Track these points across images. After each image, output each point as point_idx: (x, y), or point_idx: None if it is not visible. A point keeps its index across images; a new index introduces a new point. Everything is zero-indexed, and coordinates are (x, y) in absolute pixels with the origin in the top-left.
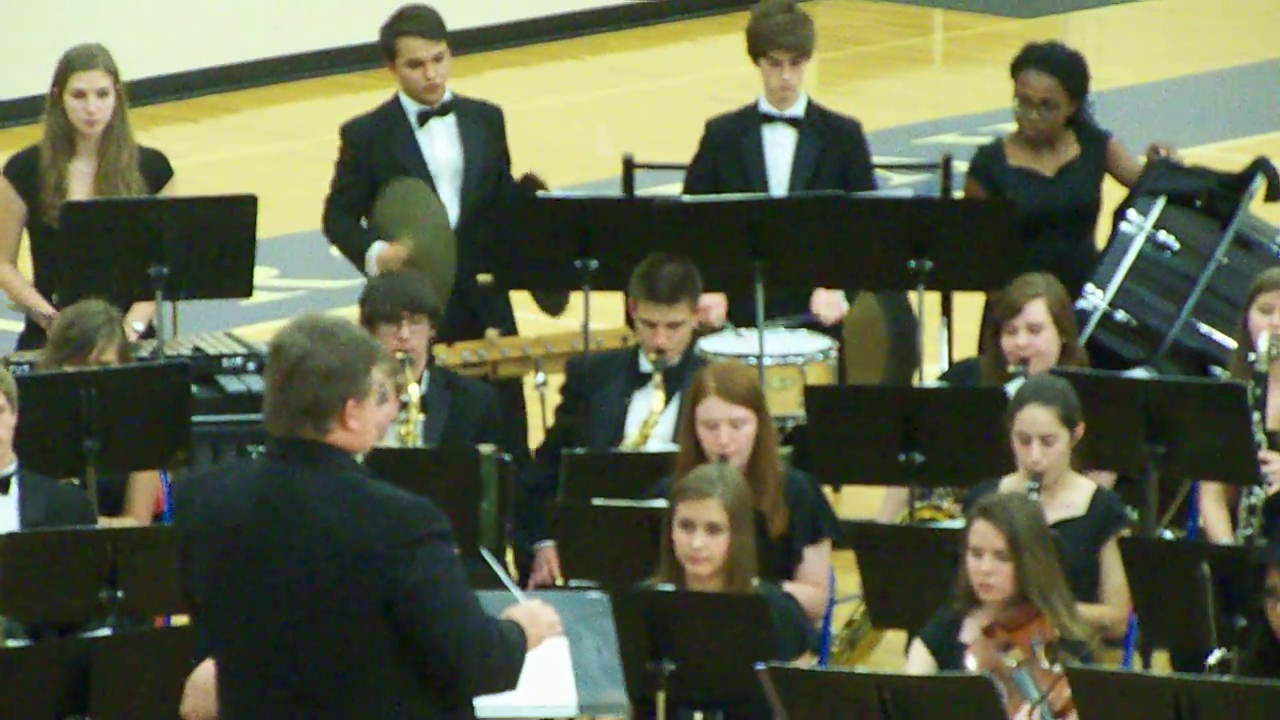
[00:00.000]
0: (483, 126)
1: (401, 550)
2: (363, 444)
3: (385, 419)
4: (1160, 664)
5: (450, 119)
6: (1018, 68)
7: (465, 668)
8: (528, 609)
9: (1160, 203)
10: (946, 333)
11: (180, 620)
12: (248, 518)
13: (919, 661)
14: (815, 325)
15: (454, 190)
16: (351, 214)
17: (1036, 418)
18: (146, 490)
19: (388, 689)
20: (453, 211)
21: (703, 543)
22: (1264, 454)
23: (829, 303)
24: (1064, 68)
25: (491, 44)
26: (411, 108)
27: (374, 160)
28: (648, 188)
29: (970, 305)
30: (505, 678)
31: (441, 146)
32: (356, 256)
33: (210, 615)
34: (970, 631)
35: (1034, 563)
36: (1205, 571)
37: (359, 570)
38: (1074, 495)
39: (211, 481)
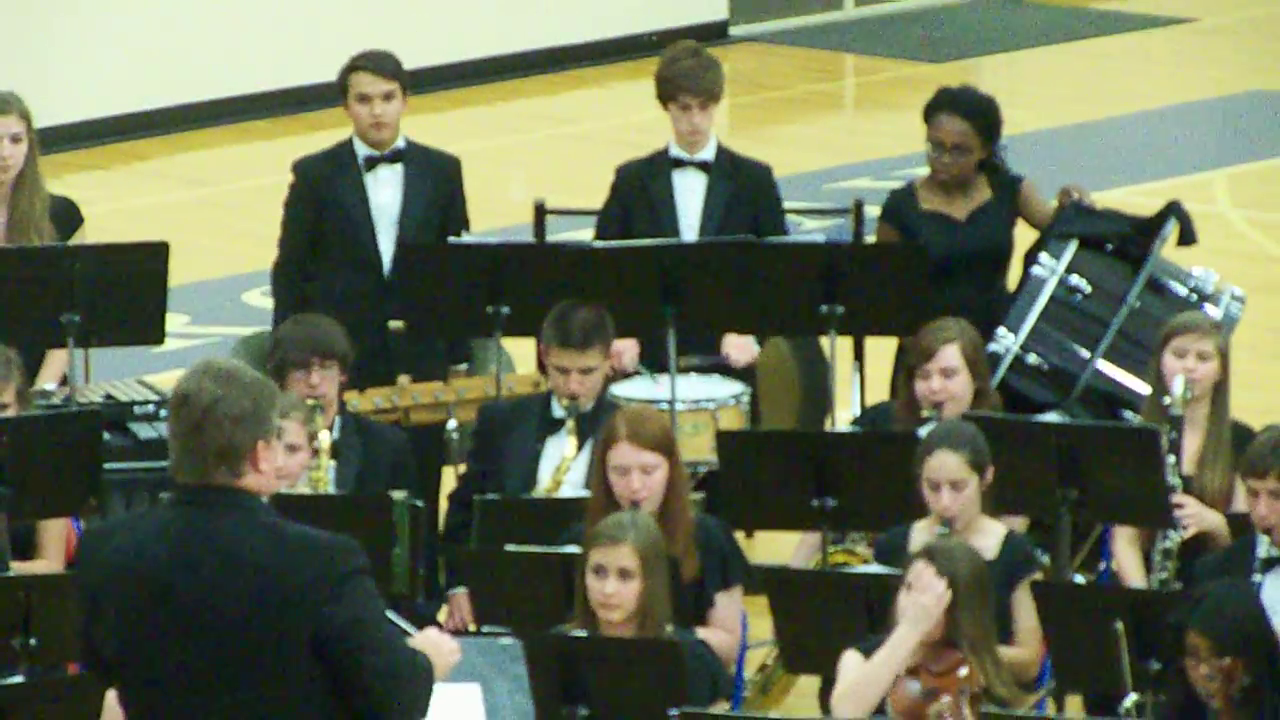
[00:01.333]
0: (430, 176)
1: (329, 589)
2: (270, 486)
3: (297, 466)
4: (1074, 708)
5: (398, 167)
6: (930, 112)
7: (395, 700)
8: (429, 638)
9: (1072, 246)
10: (859, 377)
11: None
12: (164, 566)
13: (853, 666)
14: (726, 368)
15: (389, 237)
16: (296, 263)
17: (946, 463)
18: (57, 535)
19: None
20: (385, 257)
21: (615, 589)
22: (1178, 498)
23: (740, 345)
24: (977, 112)
25: (403, 89)
26: (362, 151)
27: (321, 198)
28: (559, 233)
29: (882, 349)
30: (424, 705)
31: (384, 193)
32: (279, 321)
33: (123, 669)
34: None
35: (969, 614)
36: (1119, 628)
37: (288, 611)
38: (985, 540)
39: (117, 533)
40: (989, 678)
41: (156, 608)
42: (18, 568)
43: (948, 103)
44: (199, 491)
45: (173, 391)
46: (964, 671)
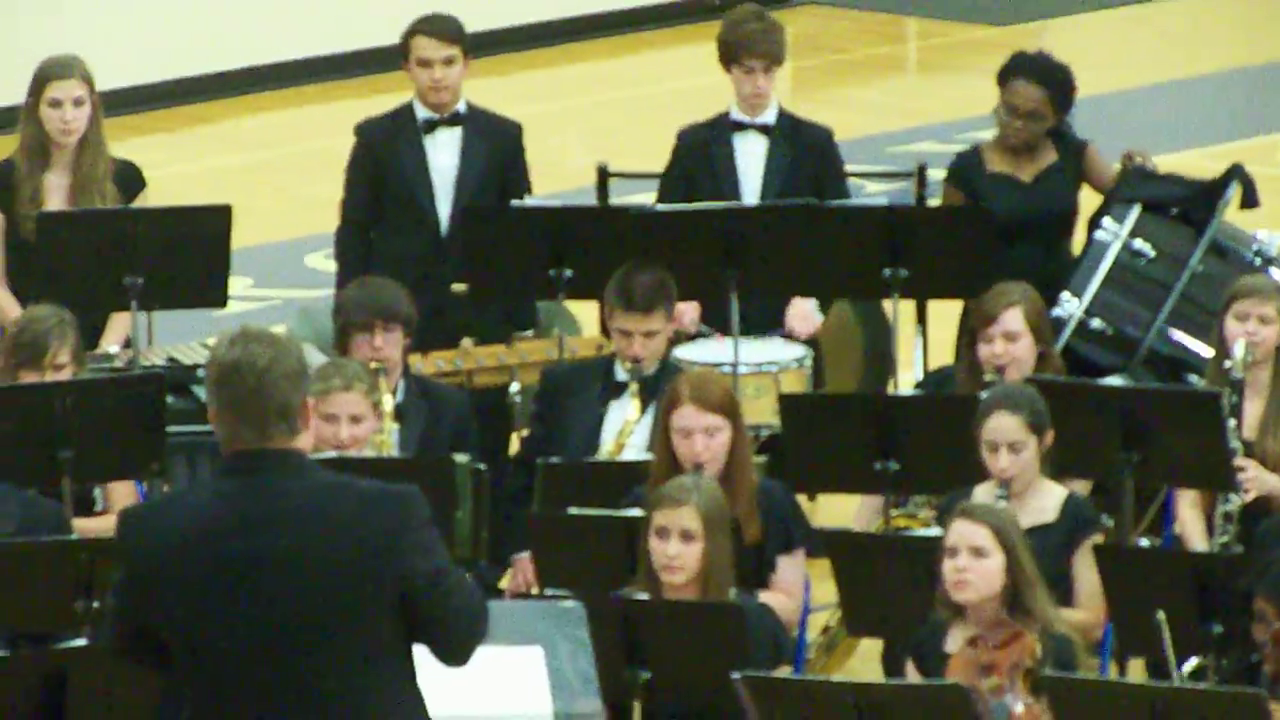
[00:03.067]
0: (490, 140)
1: (409, 538)
2: (311, 444)
3: (365, 434)
4: (1136, 671)
5: (457, 130)
6: (1006, 75)
7: (475, 637)
8: None
9: (1136, 210)
10: (921, 340)
11: None
12: (234, 535)
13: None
14: (790, 340)
15: (447, 200)
16: (359, 226)
17: (1004, 425)
18: (127, 495)
19: (389, 682)
20: (443, 220)
21: (677, 551)
22: (1240, 461)
23: (803, 317)
24: (1053, 80)
25: (464, 53)
26: (421, 113)
27: (381, 160)
28: (622, 197)
29: (945, 313)
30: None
31: (443, 156)
32: (342, 284)
33: (190, 646)
34: (954, 641)
35: (1021, 556)
36: (1160, 617)
37: (368, 565)
38: (1045, 502)
39: (165, 512)
40: (1046, 618)
41: (235, 576)
42: (81, 525)
43: (1024, 68)
44: (259, 456)
45: (214, 365)
46: (1019, 649)
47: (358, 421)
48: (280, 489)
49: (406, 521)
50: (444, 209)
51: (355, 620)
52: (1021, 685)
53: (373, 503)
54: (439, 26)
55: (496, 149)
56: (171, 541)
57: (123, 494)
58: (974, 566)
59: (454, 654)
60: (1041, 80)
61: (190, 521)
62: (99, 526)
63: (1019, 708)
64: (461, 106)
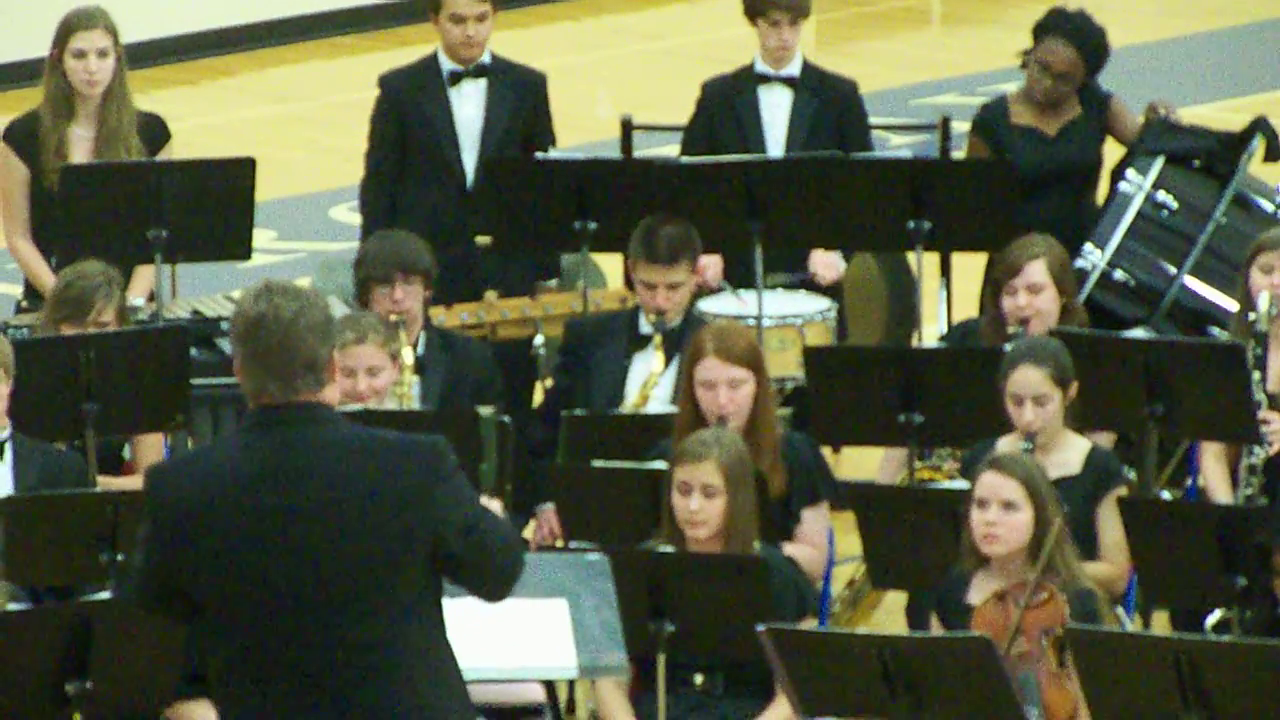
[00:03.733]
0: (515, 91)
1: (439, 488)
2: (337, 397)
3: (383, 386)
4: (1160, 624)
5: (482, 82)
6: (1041, 32)
7: (514, 572)
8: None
9: (1159, 162)
10: (945, 293)
11: None
12: (265, 487)
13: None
14: (812, 284)
15: (472, 152)
16: (383, 178)
17: (1029, 378)
18: (154, 450)
19: (420, 633)
20: (469, 172)
21: (699, 505)
22: (1264, 414)
23: (827, 263)
24: (1089, 43)
25: (494, 7)
26: (447, 65)
27: (405, 112)
28: (646, 149)
29: (969, 266)
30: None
31: (468, 107)
32: (366, 237)
33: (222, 600)
34: (977, 592)
35: (1050, 510)
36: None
37: (401, 514)
38: (1069, 455)
39: (194, 465)
40: (1072, 571)
41: (265, 529)
42: (106, 483)
43: (1061, 27)
44: (286, 409)
45: (240, 318)
46: (1048, 612)
47: (375, 374)
48: (308, 442)
49: (436, 471)
50: (469, 160)
51: (385, 572)
52: (1050, 652)
53: (401, 454)
54: None
55: (522, 100)
56: (199, 496)
57: (150, 447)
58: (1004, 520)
59: (492, 593)
60: (1077, 42)
61: (218, 476)
62: (124, 483)
63: (1046, 680)
64: (486, 58)
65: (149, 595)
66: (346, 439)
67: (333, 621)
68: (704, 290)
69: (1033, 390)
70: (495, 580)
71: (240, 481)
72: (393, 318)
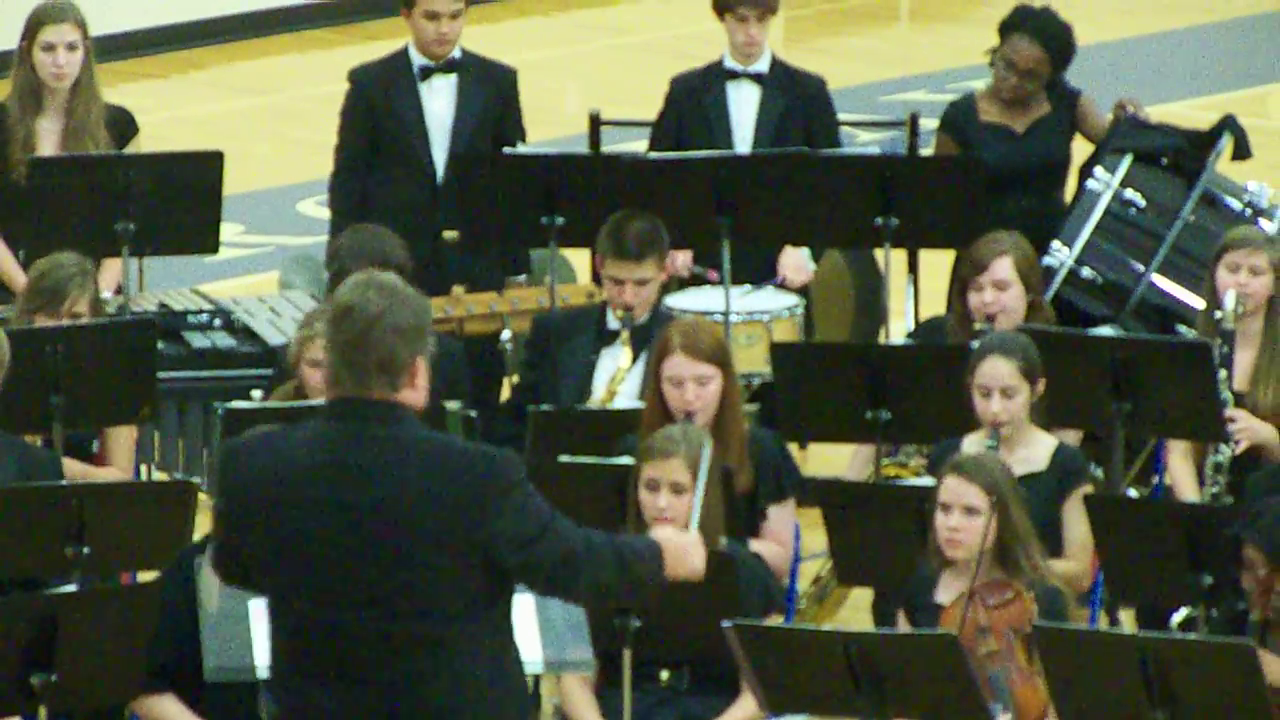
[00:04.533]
0: (485, 87)
1: (496, 502)
2: (421, 402)
3: None
4: (1127, 622)
5: (453, 77)
6: (1007, 30)
7: (579, 584)
8: (681, 543)
9: (1127, 160)
10: (913, 290)
11: (146, 576)
12: (327, 477)
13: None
14: (783, 289)
15: (443, 147)
16: (353, 173)
17: (998, 370)
18: (126, 444)
19: (469, 633)
20: (439, 167)
21: (667, 502)
22: (1230, 412)
23: (796, 266)
24: (1055, 40)
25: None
26: (418, 60)
27: (375, 107)
28: (614, 144)
29: (937, 263)
30: (624, 594)
31: (439, 102)
32: (335, 231)
33: (278, 582)
34: (945, 592)
35: (1017, 517)
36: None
37: (456, 523)
38: (1035, 451)
39: (266, 447)
40: (1038, 572)
41: (320, 519)
42: (72, 469)
43: (1027, 25)
44: (359, 404)
45: (334, 303)
46: (1015, 611)
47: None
48: (376, 439)
49: (497, 483)
50: (439, 156)
51: (435, 575)
52: (1019, 651)
53: (465, 462)
54: None
55: (492, 95)
56: (263, 480)
57: (120, 440)
58: (966, 525)
59: (569, 599)
60: (1042, 39)
61: (284, 461)
62: (97, 472)
63: (1017, 678)
64: (457, 53)
65: (224, 567)
66: (413, 441)
67: (379, 618)
68: (674, 278)
69: (1001, 382)
70: (557, 593)
71: (303, 471)
72: None
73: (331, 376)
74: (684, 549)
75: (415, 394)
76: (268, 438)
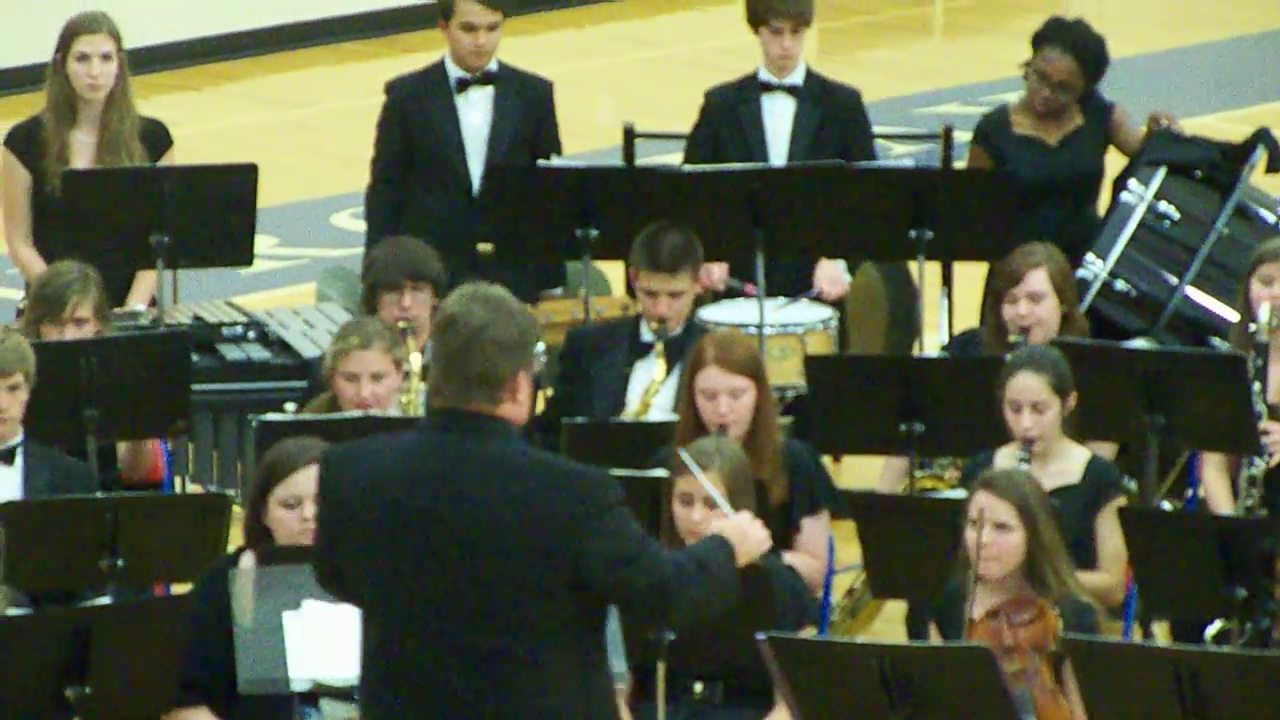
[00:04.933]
0: (521, 99)
1: (590, 521)
2: (524, 416)
3: (385, 393)
4: (1160, 635)
5: (489, 89)
6: (1040, 41)
7: (669, 610)
8: (737, 525)
9: (1161, 173)
10: (947, 302)
11: (180, 589)
12: (422, 489)
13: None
14: (818, 301)
15: (478, 159)
16: (389, 185)
17: (1028, 385)
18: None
19: (555, 652)
20: (475, 179)
21: (701, 516)
22: (1265, 424)
23: (831, 279)
24: (1088, 52)
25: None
26: (454, 72)
27: (411, 118)
28: (648, 157)
29: (971, 275)
30: (715, 601)
31: (475, 114)
32: (371, 243)
33: (370, 589)
34: (976, 607)
35: (1046, 532)
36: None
37: (548, 541)
38: (1068, 464)
39: (367, 455)
40: (1067, 587)
41: (411, 529)
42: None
43: (1059, 37)
44: (457, 416)
45: (440, 313)
46: (1041, 629)
47: (379, 379)
48: (472, 453)
49: (590, 504)
50: (475, 168)
51: (519, 591)
52: (1044, 670)
53: (559, 481)
54: None
55: (528, 108)
56: (363, 485)
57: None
58: (997, 541)
59: (648, 625)
60: (1074, 51)
61: (380, 469)
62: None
63: (1042, 696)
64: (493, 65)
65: (322, 572)
66: (509, 457)
67: (462, 631)
68: (709, 290)
69: (1031, 397)
70: (645, 617)
71: (397, 480)
72: (400, 324)
73: (432, 386)
74: (744, 533)
75: (516, 408)
76: (368, 445)
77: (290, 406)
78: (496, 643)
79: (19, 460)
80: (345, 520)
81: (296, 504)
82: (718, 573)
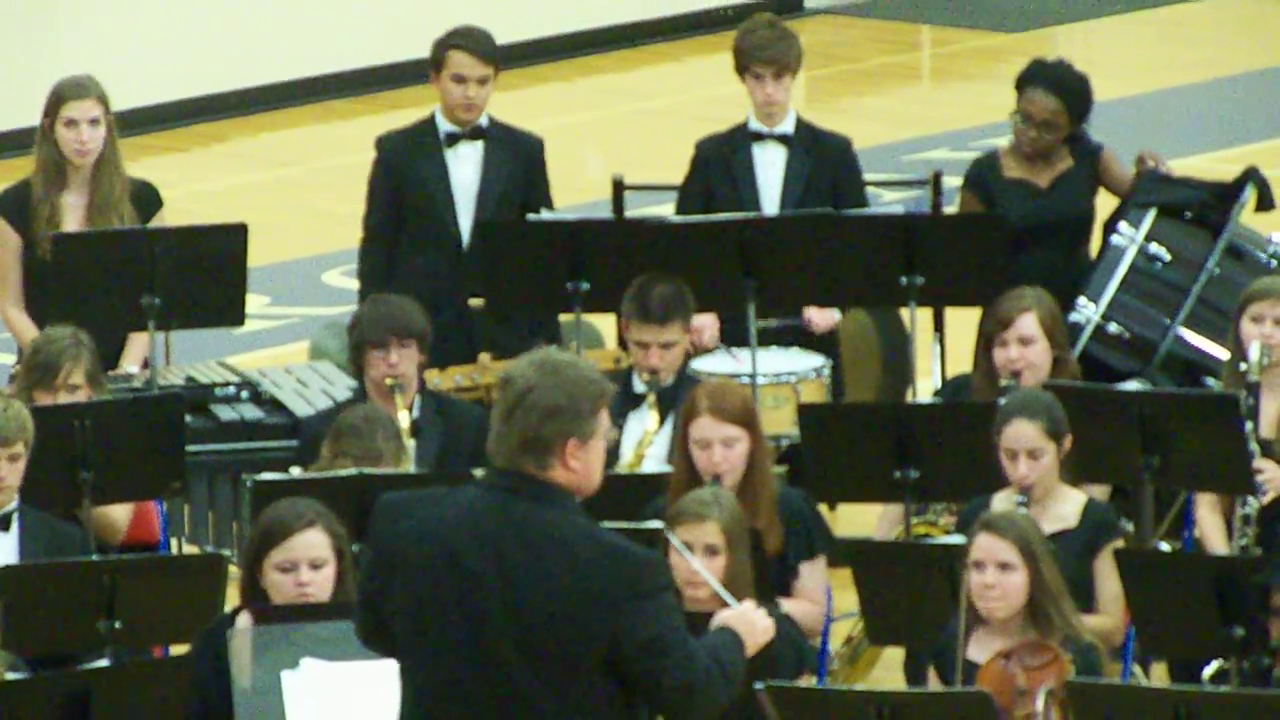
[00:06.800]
0: (511, 155)
1: (632, 603)
2: (584, 486)
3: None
4: (1159, 675)
5: (479, 144)
6: (1023, 83)
7: (690, 710)
8: (743, 615)
9: (1151, 214)
10: (939, 348)
11: (178, 650)
12: (466, 547)
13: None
14: (808, 337)
15: (468, 214)
16: (381, 242)
17: (1022, 432)
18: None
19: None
20: (465, 234)
21: (700, 566)
22: (1258, 463)
23: (821, 310)
24: (1070, 90)
25: (495, 72)
26: (444, 127)
27: (401, 173)
28: (637, 209)
29: (964, 321)
30: (727, 699)
31: (465, 169)
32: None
33: (408, 641)
34: (978, 649)
35: (1048, 573)
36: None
37: (586, 615)
38: (1065, 507)
39: (420, 506)
40: (1072, 628)
41: (457, 585)
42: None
43: (1042, 77)
44: (509, 477)
45: (500, 374)
46: (1053, 673)
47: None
48: (522, 516)
49: (635, 585)
50: (465, 223)
51: (555, 665)
52: (1056, 712)
53: (607, 557)
54: (478, 44)
55: (518, 163)
56: (409, 537)
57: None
58: (1001, 582)
59: (667, 714)
60: (1057, 90)
61: (429, 523)
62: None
63: None
64: (483, 120)
65: (362, 626)
66: (561, 526)
67: (498, 696)
68: (698, 351)
69: (1026, 444)
70: (672, 710)
71: (443, 535)
72: (387, 382)
73: (490, 444)
74: (751, 624)
75: (569, 475)
76: (422, 497)
77: (295, 470)
78: (532, 711)
79: (14, 526)
80: (391, 569)
81: (293, 568)
82: (733, 673)
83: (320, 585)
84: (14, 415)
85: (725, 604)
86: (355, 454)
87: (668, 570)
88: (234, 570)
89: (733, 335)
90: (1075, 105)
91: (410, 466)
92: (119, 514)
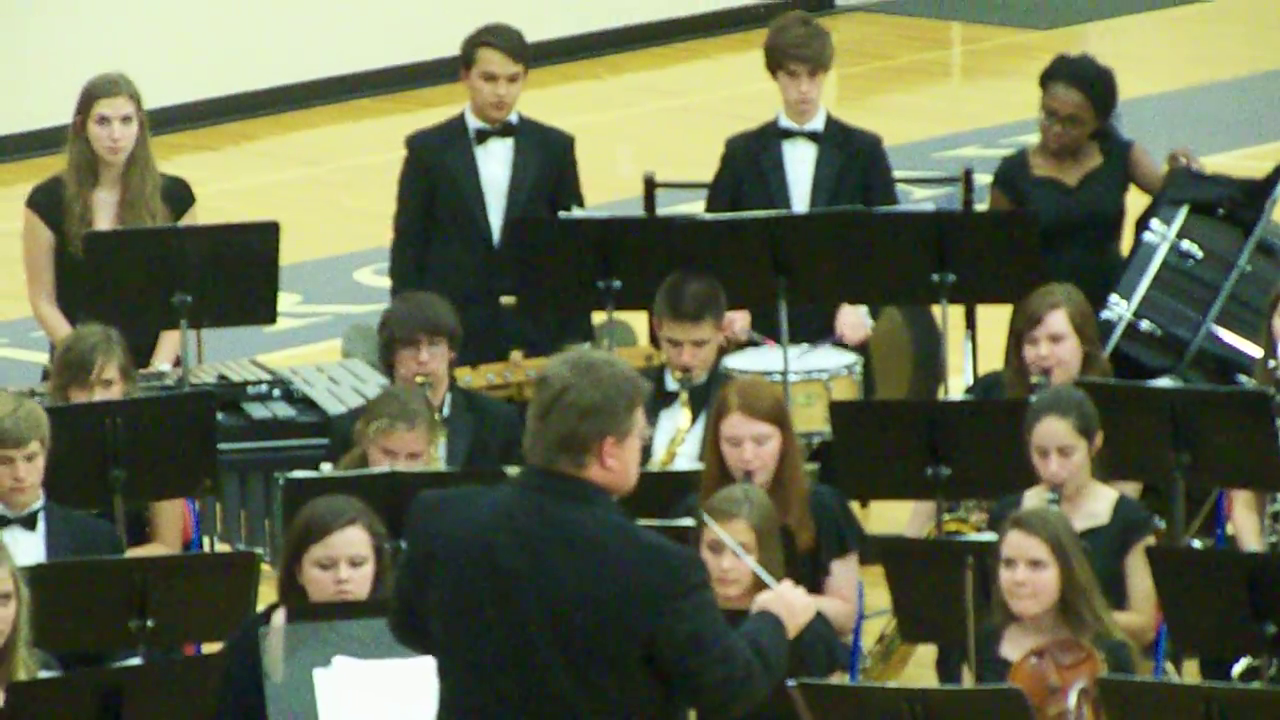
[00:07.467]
0: (542, 152)
1: (670, 601)
2: (621, 484)
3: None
4: (1191, 672)
5: (509, 141)
6: (1047, 79)
7: (730, 704)
8: (781, 597)
9: (1183, 212)
10: (971, 345)
11: (210, 648)
12: (503, 546)
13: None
14: (841, 347)
15: (499, 211)
16: (412, 240)
17: (1053, 430)
18: (173, 518)
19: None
20: (495, 231)
21: (731, 564)
22: None
23: (853, 324)
24: (1094, 84)
25: (526, 69)
26: (474, 124)
27: (432, 171)
28: (669, 206)
29: (995, 318)
30: (771, 687)
31: (495, 166)
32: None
33: (445, 640)
34: (1011, 646)
35: (1079, 569)
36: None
37: (625, 614)
38: (1096, 505)
39: (458, 504)
40: (1104, 625)
41: (489, 585)
42: (133, 554)
43: (1065, 72)
44: (545, 476)
45: (538, 373)
46: (1087, 671)
47: (414, 457)
48: (559, 515)
49: (673, 583)
50: (495, 220)
51: (596, 662)
52: (1088, 710)
53: (646, 556)
54: (509, 42)
55: (548, 161)
56: (451, 534)
57: (171, 517)
58: (1032, 579)
59: (720, 714)
60: (1081, 85)
61: (465, 521)
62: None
63: None
64: (514, 118)
65: (397, 622)
66: (598, 525)
67: (536, 692)
68: (731, 342)
69: (1057, 441)
70: (709, 710)
71: (479, 534)
72: (418, 379)
73: (527, 442)
74: (790, 606)
75: (607, 474)
76: (458, 496)
77: (326, 466)
78: (569, 710)
79: (41, 524)
80: (427, 567)
81: (332, 565)
82: (776, 662)
83: (359, 583)
84: (26, 415)
85: (759, 595)
86: (391, 413)
87: (705, 568)
88: (266, 569)
89: (764, 333)
90: (1099, 99)
91: (440, 458)
92: (172, 527)
